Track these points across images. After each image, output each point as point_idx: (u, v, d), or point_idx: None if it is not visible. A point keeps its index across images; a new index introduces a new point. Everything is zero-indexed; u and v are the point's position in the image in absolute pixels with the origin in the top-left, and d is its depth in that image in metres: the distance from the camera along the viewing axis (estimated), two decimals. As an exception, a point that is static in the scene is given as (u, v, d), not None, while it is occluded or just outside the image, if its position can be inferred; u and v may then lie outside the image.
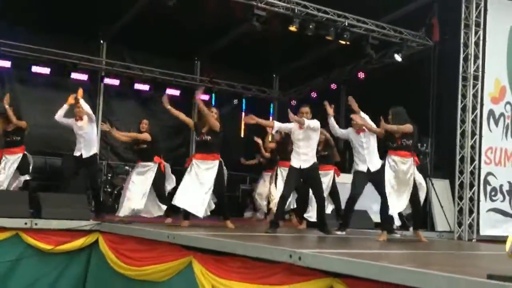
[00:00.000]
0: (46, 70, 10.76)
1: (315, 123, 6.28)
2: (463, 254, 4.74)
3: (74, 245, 6.23)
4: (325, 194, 7.16)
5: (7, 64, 10.47)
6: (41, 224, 6.09)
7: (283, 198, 6.31)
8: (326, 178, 7.46)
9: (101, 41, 11.78)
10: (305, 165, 6.24)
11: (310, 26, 9.28)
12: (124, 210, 6.93)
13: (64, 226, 6.18)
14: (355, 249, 4.38)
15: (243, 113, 13.41)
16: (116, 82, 11.61)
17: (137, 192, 6.98)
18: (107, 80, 11.56)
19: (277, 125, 6.57)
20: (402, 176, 5.81)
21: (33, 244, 6.05)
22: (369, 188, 6.73)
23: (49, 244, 6.10)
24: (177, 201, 6.35)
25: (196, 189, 6.41)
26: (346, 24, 9.58)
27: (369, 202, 7.90)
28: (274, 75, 13.91)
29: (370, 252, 4.26)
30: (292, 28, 9.21)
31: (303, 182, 6.71)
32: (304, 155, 6.26)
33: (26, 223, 6.00)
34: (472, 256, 4.70)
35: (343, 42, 9.80)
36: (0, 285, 5.94)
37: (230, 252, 4.26)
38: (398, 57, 10.36)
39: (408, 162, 5.88)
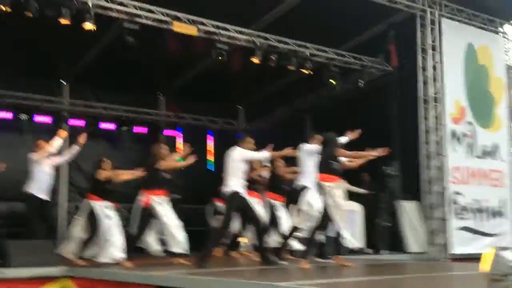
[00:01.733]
0: (8, 115, 10.54)
1: None
2: (438, 276, 4.78)
3: (45, 293, 6.01)
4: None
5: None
6: (10, 274, 5.87)
7: None
8: None
9: (63, 82, 11.65)
10: None
11: (272, 57, 9.44)
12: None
13: (34, 274, 5.97)
14: (332, 279, 4.37)
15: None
16: (81, 122, 11.46)
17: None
18: (72, 121, 11.40)
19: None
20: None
21: (1, 295, 5.83)
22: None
23: (18, 294, 5.87)
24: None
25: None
26: (307, 54, 9.78)
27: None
28: (240, 107, 13.99)
29: (346, 281, 4.26)
30: (255, 60, 9.33)
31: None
32: None
33: (-7, 274, 5.78)
34: (447, 278, 4.75)
35: (305, 72, 9.97)
36: None
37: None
38: (360, 83, 10.59)
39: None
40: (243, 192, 6.39)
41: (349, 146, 7.05)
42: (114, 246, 6.65)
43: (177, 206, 11.68)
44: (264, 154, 6.67)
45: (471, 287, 3.04)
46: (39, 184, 7.32)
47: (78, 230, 7.04)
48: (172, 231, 6.63)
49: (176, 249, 6.61)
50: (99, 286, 5.66)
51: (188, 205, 11.19)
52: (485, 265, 2.47)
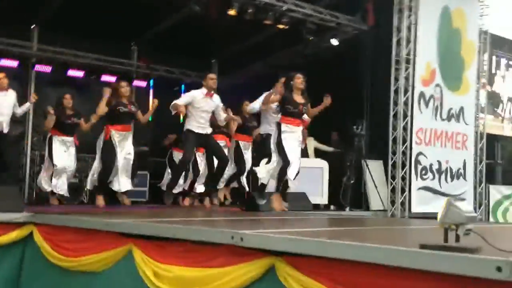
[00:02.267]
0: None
1: None
2: (396, 229, 4.93)
3: (7, 238, 5.92)
4: None
5: None
6: (-30, 218, 5.79)
7: None
8: None
9: (32, 26, 11.27)
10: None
11: (249, 10, 9.29)
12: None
13: (-4, 219, 5.90)
14: (295, 228, 4.45)
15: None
16: (48, 69, 11.16)
17: None
18: (39, 67, 11.09)
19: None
20: None
21: (-39, 239, 5.75)
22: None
23: (-21, 238, 5.81)
24: None
25: None
26: (285, 9, 9.64)
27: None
28: (213, 61, 13.82)
29: (309, 230, 4.35)
30: (231, 12, 9.18)
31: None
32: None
33: (-48, 218, 5.69)
34: (405, 230, 4.90)
35: (281, 27, 9.86)
36: None
37: (171, 237, 4.22)
38: (334, 42, 10.56)
39: None
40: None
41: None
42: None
43: (145, 158, 11.77)
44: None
45: (426, 237, 3.15)
46: None
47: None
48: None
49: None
50: (63, 233, 5.63)
51: (156, 158, 11.17)
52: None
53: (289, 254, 3.35)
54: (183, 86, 13.25)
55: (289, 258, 3.36)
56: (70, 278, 5.22)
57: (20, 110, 7.85)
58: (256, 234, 3.57)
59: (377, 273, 2.82)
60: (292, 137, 6.55)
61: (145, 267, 4.34)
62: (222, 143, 8.38)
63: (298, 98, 6.77)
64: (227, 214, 6.76)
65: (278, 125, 6.56)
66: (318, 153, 10.34)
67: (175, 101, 6.94)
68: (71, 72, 11.42)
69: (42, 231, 5.81)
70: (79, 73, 11.49)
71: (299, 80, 6.59)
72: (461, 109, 10.10)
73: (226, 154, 8.02)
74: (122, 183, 7.04)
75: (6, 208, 6.04)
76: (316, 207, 8.74)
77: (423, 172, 9.55)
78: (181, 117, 13.12)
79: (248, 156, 8.62)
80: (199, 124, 7.01)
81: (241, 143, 8.64)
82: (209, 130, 7.07)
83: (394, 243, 2.89)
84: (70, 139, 7.60)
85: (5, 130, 7.39)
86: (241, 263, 3.66)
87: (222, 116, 7.30)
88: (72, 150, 7.71)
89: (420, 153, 9.48)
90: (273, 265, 3.47)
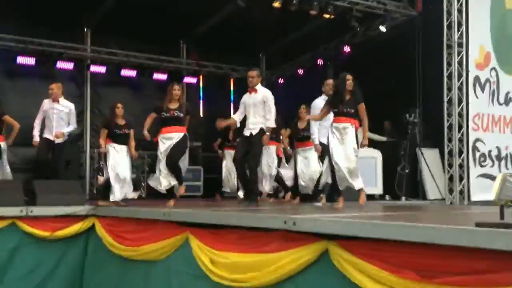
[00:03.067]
0: (31, 61, 10.69)
1: None
2: (452, 212, 4.85)
3: (71, 230, 6.27)
4: None
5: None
6: (37, 212, 6.12)
7: None
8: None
9: (86, 29, 11.72)
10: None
11: (294, 1, 9.28)
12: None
13: (60, 212, 6.21)
14: (345, 214, 4.46)
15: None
16: (102, 69, 11.57)
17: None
18: (94, 68, 11.51)
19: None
20: None
21: (30, 231, 6.09)
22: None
23: (46, 231, 6.13)
24: None
25: None
26: (330, -2, 9.59)
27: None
28: (261, 55, 13.90)
29: (362, 215, 4.34)
30: (276, 4, 9.21)
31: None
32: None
33: (21, 211, 6.03)
34: (461, 213, 4.81)
35: (327, 16, 9.80)
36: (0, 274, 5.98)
37: (226, 225, 4.32)
38: (383, 29, 10.40)
39: None
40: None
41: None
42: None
43: (198, 153, 11.99)
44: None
45: (483, 217, 3.09)
46: None
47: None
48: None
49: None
50: (124, 224, 5.87)
51: (208, 153, 11.36)
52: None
53: (342, 237, 3.38)
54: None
55: (342, 242, 3.39)
56: (131, 267, 5.44)
57: (66, 130, 7.79)
58: (308, 218, 3.61)
59: (431, 254, 2.81)
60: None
61: (201, 254, 4.48)
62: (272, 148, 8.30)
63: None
64: (279, 204, 6.86)
65: (331, 126, 6.11)
66: (371, 143, 10.20)
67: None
68: (124, 72, 11.78)
69: (104, 223, 6.08)
70: (132, 73, 11.84)
71: (348, 82, 6.47)
72: (520, 92, 9.73)
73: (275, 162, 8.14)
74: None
75: (69, 202, 6.37)
76: (371, 197, 8.64)
77: (482, 159, 9.24)
78: (232, 114, 13.38)
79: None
80: (247, 125, 6.76)
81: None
82: (255, 130, 6.64)
83: (449, 223, 2.87)
84: (124, 147, 7.32)
85: (58, 140, 7.57)
86: (294, 248, 3.72)
87: (270, 113, 6.72)
88: (127, 158, 7.32)
89: (477, 140, 9.18)
90: (326, 249, 3.51)
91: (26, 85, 10.81)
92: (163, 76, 12.03)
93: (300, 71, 12.87)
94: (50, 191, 6.45)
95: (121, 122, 7.27)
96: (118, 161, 6.98)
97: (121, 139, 7.17)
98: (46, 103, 7.86)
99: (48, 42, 10.88)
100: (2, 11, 9.84)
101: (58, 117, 7.74)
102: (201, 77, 12.98)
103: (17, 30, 10.54)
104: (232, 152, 8.46)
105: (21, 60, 10.64)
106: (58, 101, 7.83)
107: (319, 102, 7.15)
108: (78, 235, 6.34)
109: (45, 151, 7.67)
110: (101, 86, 11.92)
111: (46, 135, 7.73)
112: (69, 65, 11.08)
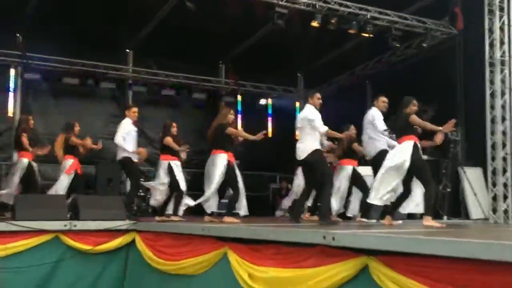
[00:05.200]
0: (75, 81, 11.06)
1: None
2: (497, 229, 4.71)
3: (112, 244, 6.39)
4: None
5: (37, 77, 10.82)
6: (80, 226, 6.27)
7: None
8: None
9: (127, 50, 12.06)
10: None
11: (332, 21, 9.32)
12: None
13: (102, 227, 6.35)
14: (385, 229, 4.40)
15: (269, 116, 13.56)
16: (143, 89, 11.85)
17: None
18: (135, 88, 11.80)
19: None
20: None
21: (73, 245, 6.23)
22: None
23: (88, 245, 6.27)
24: None
25: None
26: (369, 17, 9.59)
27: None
28: (299, 74, 13.96)
29: (403, 230, 4.28)
30: (314, 24, 9.26)
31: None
32: None
33: (65, 225, 6.19)
34: (506, 231, 4.67)
35: (366, 35, 9.78)
36: (43, 286, 6.12)
37: (264, 240, 4.33)
38: (424, 44, 10.30)
39: None
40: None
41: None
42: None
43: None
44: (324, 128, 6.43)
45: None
46: None
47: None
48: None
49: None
50: (163, 238, 5.94)
51: (246, 171, 11.40)
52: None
53: (382, 253, 3.34)
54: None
55: (383, 257, 3.35)
56: (170, 281, 5.50)
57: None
58: (348, 233, 3.59)
59: (475, 270, 2.74)
60: None
61: (240, 269, 4.48)
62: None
63: None
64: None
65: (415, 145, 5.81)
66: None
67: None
68: (164, 91, 12.03)
69: (144, 237, 6.18)
70: (172, 92, 12.08)
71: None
72: None
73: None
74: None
75: (111, 216, 6.50)
76: (412, 216, 8.47)
77: (526, 178, 8.96)
78: (270, 132, 13.50)
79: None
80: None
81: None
82: (304, 153, 6.25)
83: (493, 239, 2.80)
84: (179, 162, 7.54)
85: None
86: (333, 263, 3.69)
87: (320, 128, 6.38)
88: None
89: (521, 158, 8.93)
90: (366, 264, 3.47)
91: (70, 104, 11.17)
92: (201, 95, 12.22)
93: (339, 90, 12.83)
94: (93, 206, 6.60)
95: (176, 139, 7.48)
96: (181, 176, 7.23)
97: (178, 156, 7.39)
98: (129, 123, 7.65)
99: (92, 63, 11.24)
100: (48, 33, 10.27)
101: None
102: (239, 96, 13.10)
103: (62, 51, 10.94)
104: None
105: (66, 80, 11.00)
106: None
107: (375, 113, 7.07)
108: (119, 249, 6.45)
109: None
110: (142, 105, 12.15)
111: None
112: (111, 85, 11.41)
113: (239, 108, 13.19)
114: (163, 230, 5.92)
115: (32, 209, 6.25)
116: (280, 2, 8.91)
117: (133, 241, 6.39)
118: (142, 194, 10.25)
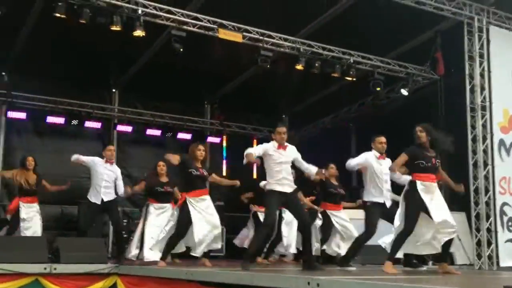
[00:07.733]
0: (61, 120, 11.01)
1: None
2: (479, 276, 4.70)
3: (93, 288, 6.23)
4: None
5: (22, 115, 10.75)
6: (60, 269, 6.12)
7: None
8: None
9: (113, 90, 12.10)
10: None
11: (316, 64, 9.50)
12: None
13: (83, 270, 6.20)
14: (372, 275, 4.36)
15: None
16: (129, 128, 11.83)
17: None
18: (120, 127, 11.78)
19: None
20: None
21: (53, 289, 6.07)
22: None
23: (68, 289, 6.11)
24: None
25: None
26: (352, 61, 9.79)
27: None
28: (284, 116, 14.08)
29: (387, 277, 4.25)
30: (299, 67, 9.43)
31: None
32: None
33: (45, 268, 6.04)
34: (490, 278, 4.66)
35: (349, 79, 9.98)
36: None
37: (248, 285, 4.26)
38: (404, 92, 10.53)
39: None
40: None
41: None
42: None
43: (221, 213, 11.93)
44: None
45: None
46: None
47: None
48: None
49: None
50: (145, 283, 5.82)
51: (231, 213, 11.31)
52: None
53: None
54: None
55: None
56: (151, 327, 5.35)
57: (122, 193, 7.75)
58: (332, 280, 3.55)
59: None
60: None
61: (224, 316, 4.39)
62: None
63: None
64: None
65: (413, 184, 5.91)
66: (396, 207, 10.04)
67: (248, 149, 6.10)
68: (150, 131, 12.02)
69: (126, 281, 6.05)
70: (157, 132, 12.07)
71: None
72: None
73: None
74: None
75: (91, 259, 6.36)
76: (397, 261, 8.42)
77: (510, 223, 9.03)
78: (254, 174, 13.49)
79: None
80: (277, 181, 5.94)
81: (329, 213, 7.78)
82: (290, 188, 5.96)
83: (477, 286, 2.79)
84: (167, 205, 7.39)
85: (105, 199, 7.37)
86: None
87: (310, 169, 6.22)
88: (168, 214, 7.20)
89: (505, 204, 9.00)
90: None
91: (55, 144, 11.08)
92: (187, 136, 12.23)
93: (323, 132, 12.95)
94: (74, 249, 6.47)
95: (164, 179, 7.39)
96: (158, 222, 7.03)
97: (164, 197, 7.28)
98: (99, 161, 7.53)
99: (77, 102, 11.24)
100: (33, 72, 10.28)
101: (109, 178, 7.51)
102: (224, 137, 13.14)
103: (48, 90, 10.92)
104: None
105: (50, 119, 10.94)
106: (111, 164, 7.63)
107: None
108: (100, 293, 6.29)
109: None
110: (127, 145, 12.14)
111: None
112: (96, 125, 11.36)
113: (224, 149, 13.21)
114: (145, 274, 5.80)
115: (11, 251, 6.10)
116: (265, 45, 9.08)
117: (114, 285, 6.25)
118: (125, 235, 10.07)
